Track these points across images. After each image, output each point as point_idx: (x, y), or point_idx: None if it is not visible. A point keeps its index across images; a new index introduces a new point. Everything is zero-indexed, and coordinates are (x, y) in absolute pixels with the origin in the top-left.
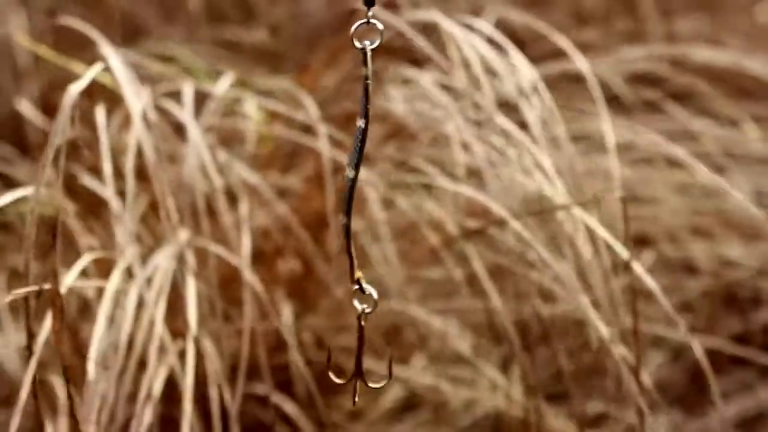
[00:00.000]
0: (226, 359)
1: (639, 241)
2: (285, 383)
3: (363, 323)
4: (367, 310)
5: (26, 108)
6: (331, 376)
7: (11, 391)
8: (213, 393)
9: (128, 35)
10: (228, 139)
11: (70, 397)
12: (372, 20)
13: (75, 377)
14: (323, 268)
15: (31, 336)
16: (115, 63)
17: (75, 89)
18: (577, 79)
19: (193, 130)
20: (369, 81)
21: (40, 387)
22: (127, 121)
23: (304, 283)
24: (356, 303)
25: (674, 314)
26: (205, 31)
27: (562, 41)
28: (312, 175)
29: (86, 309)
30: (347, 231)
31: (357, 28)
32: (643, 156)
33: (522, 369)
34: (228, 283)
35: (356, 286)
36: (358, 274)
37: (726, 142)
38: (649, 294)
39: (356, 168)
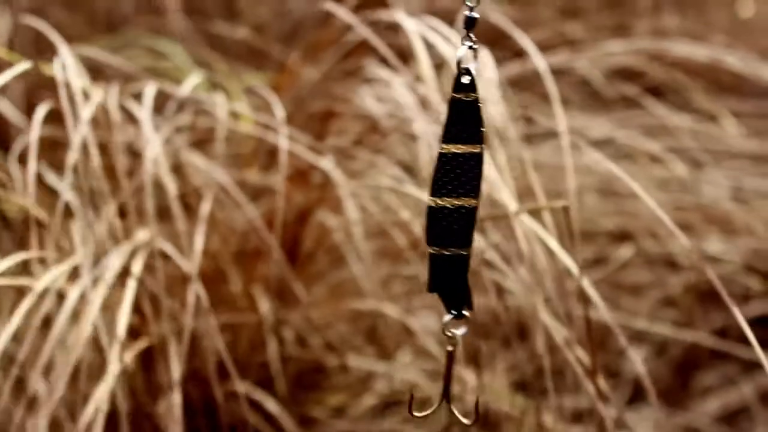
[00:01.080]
0: (209, 357)
1: (619, 237)
2: (266, 380)
3: (452, 348)
4: (459, 333)
5: (7, 108)
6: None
7: None
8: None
9: (110, 27)
10: (207, 139)
11: None
12: (470, 42)
13: None
14: (302, 266)
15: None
16: (70, 63)
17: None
18: (558, 74)
19: (152, 129)
20: (479, 102)
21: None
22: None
23: (283, 281)
24: (448, 332)
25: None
26: (187, 27)
27: (524, 41)
28: (290, 174)
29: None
30: (465, 261)
31: (463, 54)
32: (623, 151)
33: (501, 365)
34: (209, 283)
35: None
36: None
37: (705, 137)
38: (633, 288)
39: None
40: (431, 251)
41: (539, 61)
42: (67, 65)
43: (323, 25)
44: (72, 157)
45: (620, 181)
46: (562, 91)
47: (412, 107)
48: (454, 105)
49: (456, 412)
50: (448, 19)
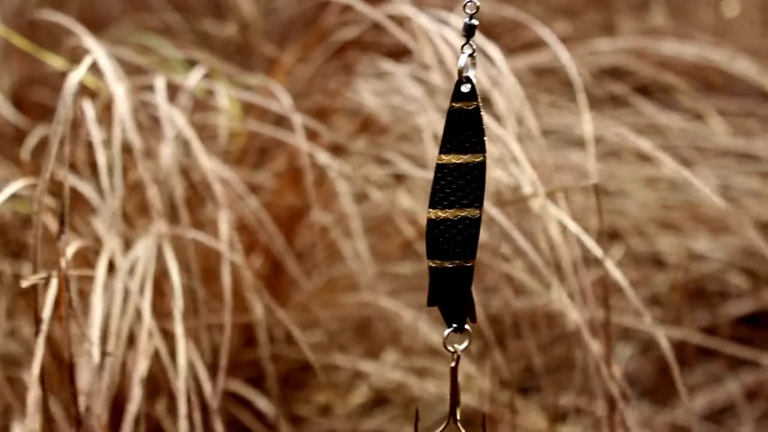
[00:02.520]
0: (203, 354)
1: (608, 235)
2: (255, 378)
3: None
4: (460, 348)
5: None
6: None
7: None
8: (192, 387)
9: (96, 26)
10: (198, 134)
11: (72, 381)
12: (470, 50)
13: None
14: (294, 264)
15: (38, 322)
16: (100, 55)
17: (73, 81)
18: (543, 72)
19: (172, 124)
20: (480, 111)
21: (15, 385)
22: (105, 114)
23: (275, 279)
24: (449, 346)
25: (642, 307)
26: (173, 23)
27: (543, 32)
28: (283, 171)
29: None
30: (469, 272)
31: (467, 60)
32: (610, 149)
33: (494, 362)
34: (202, 278)
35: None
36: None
37: (692, 135)
38: (618, 287)
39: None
40: (432, 264)
41: (562, 55)
42: (98, 59)
43: (312, 22)
44: (116, 153)
45: (608, 179)
46: (550, 89)
47: (418, 98)
48: (454, 115)
49: (458, 425)
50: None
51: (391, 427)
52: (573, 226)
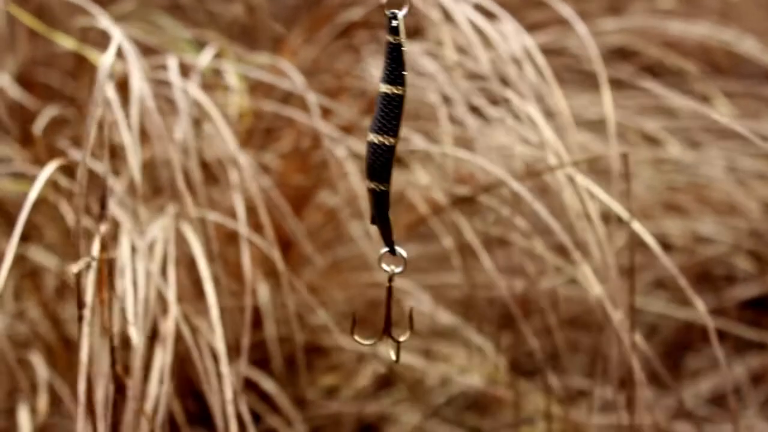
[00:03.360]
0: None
1: (614, 218)
2: (261, 361)
3: (391, 284)
4: (397, 271)
5: (6, 82)
6: (357, 339)
7: None
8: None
9: (101, 3)
10: (207, 115)
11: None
12: None
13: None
14: (306, 242)
15: (81, 306)
16: (118, 36)
17: (106, 62)
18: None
19: (186, 103)
20: (403, 47)
21: (21, 366)
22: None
23: (284, 259)
24: (384, 266)
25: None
26: (178, 2)
27: (562, 10)
28: (289, 152)
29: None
30: (384, 197)
31: None
32: (617, 131)
33: (501, 344)
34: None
35: (385, 250)
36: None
37: (699, 117)
38: (624, 270)
39: (395, 135)
40: (372, 186)
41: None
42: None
43: (317, 3)
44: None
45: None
46: (555, 70)
47: (434, 74)
48: (387, 47)
49: (393, 337)
50: None
51: (397, 410)
52: (601, 194)
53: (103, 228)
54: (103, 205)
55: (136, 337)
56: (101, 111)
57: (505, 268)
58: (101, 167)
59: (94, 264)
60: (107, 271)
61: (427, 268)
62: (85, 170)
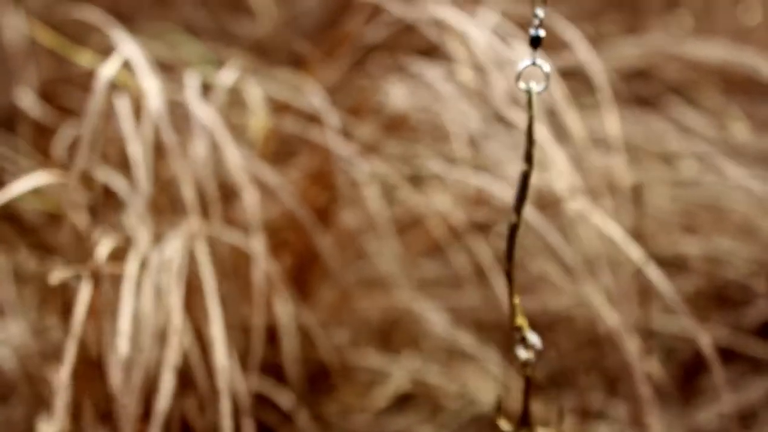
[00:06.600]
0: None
1: (631, 236)
2: (278, 378)
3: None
4: (531, 359)
5: (26, 97)
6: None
7: (5, 388)
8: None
9: (120, 22)
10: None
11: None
12: (537, 62)
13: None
14: (329, 258)
15: (68, 317)
16: (132, 51)
17: (104, 75)
18: (566, 75)
19: (203, 121)
20: (532, 124)
21: (33, 382)
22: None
23: (301, 279)
24: (520, 353)
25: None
26: (197, 22)
27: (569, 34)
28: (310, 172)
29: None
30: (509, 278)
31: (522, 69)
32: (635, 151)
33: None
34: (227, 277)
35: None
36: (521, 322)
37: (716, 137)
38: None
39: (518, 212)
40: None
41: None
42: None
43: (335, 23)
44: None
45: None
46: (574, 91)
47: (451, 96)
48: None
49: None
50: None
51: (416, 429)
52: (614, 230)
53: (94, 242)
54: (94, 216)
55: (124, 351)
56: (96, 121)
57: (522, 289)
58: (117, 182)
59: (87, 276)
60: (111, 285)
61: (452, 286)
62: (98, 184)
